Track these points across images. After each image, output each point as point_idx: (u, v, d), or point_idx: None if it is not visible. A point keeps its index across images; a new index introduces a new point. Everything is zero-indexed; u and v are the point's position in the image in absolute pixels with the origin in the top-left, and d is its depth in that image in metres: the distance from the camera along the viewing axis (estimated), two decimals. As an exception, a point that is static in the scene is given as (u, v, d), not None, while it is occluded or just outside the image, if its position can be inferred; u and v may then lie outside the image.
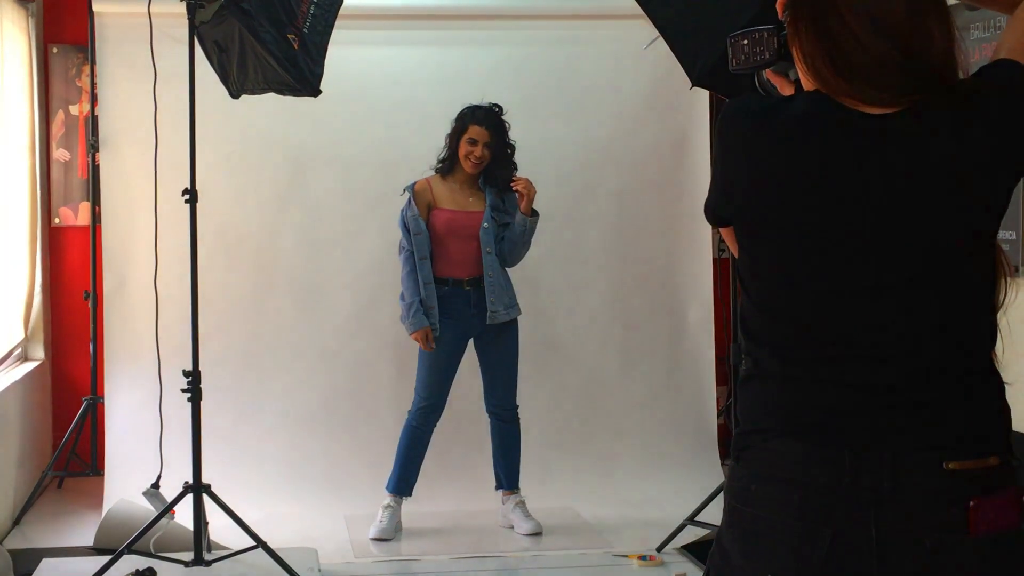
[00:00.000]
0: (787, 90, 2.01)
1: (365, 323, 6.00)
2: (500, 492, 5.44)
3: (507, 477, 5.40)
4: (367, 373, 5.98)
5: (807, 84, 1.88)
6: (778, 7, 1.92)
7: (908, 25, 1.77)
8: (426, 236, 5.19)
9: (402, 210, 5.28)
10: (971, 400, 1.81)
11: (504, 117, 5.28)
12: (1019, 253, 4.30)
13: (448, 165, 5.31)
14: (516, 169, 5.30)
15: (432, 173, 5.35)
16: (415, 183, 5.29)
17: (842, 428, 1.79)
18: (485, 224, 5.24)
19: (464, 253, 5.25)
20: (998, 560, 1.77)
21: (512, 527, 5.35)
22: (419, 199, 5.24)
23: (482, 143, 5.22)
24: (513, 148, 5.31)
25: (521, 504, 5.36)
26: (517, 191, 5.19)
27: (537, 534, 5.26)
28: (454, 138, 5.29)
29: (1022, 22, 1.90)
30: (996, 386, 1.84)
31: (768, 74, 2.04)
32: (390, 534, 5.23)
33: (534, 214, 5.23)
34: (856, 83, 1.79)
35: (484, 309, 5.24)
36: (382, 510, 5.27)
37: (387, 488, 5.31)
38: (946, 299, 1.80)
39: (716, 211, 1.95)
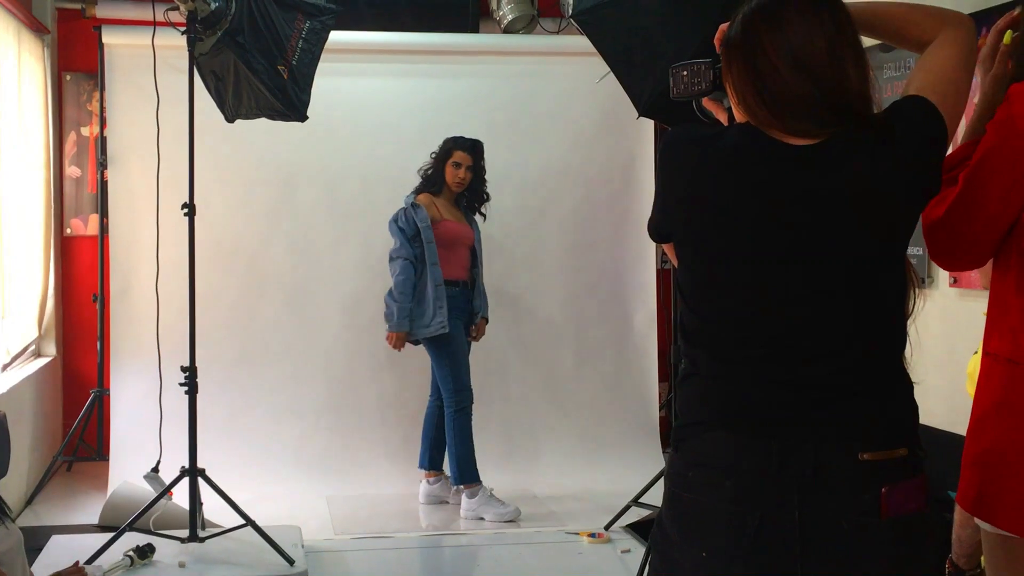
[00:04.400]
0: (722, 116, 2.01)
1: (347, 324, 5.97)
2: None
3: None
4: (347, 368, 5.95)
5: (738, 115, 1.88)
6: (715, 42, 1.92)
7: (827, 65, 1.77)
8: (435, 243, 5.18)
9: (399, 218, 5.21)
10: (884, 398, 1.80)
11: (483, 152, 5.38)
12: (925, 267, 4.33)
13: (437, 186, 5.30)
14: (488, 199, 5.44)
15: (412, 196, 5.28)
16: (416, 196, 5.27)
17: (770, 421, 1.78)
18: (478, 239, 5.40)
19: (462, 259, 5.32)
20: (906, 540, 1.77)
21: (482, 519, 5.16)
22: (428, 211, 5.22)
23: (465, 166, 5.28)
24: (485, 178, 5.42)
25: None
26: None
27: (512, 520, 5.15)
28: (440, 159, 5.31)
29: (929, 61, 1.90)
30: (906, 385, 1.84)
31: (705, 102, 2.04)
32: None
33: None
34: (780, 116, 1.79)
35: (470, 307, 5.35)
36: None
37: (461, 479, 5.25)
38: (862, 308, 1.80)
39: (658, 228, 1.94)
